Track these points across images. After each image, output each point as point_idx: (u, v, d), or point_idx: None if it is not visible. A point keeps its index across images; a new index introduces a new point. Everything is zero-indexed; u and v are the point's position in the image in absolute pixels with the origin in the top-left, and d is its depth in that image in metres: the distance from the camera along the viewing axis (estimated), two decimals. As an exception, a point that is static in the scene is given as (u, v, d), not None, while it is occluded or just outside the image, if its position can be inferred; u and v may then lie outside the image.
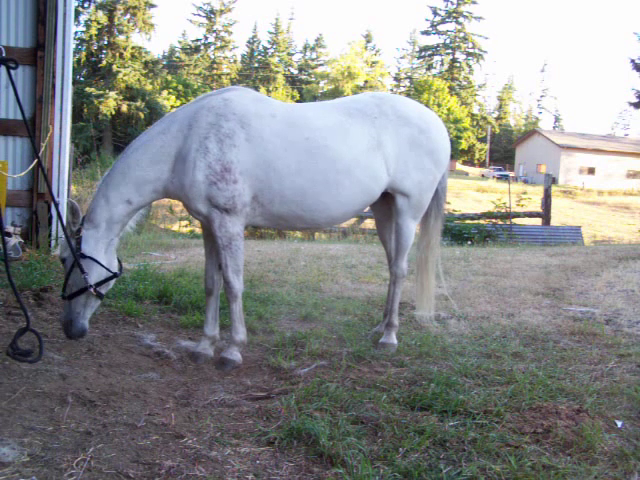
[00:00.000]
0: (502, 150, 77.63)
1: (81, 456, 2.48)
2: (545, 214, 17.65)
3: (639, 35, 39.08)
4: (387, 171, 4.15)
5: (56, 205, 3.96)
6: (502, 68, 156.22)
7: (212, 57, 68.88)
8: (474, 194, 40.48)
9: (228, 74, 67.87)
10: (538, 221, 18.24)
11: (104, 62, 42.01)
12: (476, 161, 76.36)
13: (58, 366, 3.55)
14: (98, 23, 41.00)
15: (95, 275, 3.67)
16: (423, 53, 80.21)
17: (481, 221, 16.53)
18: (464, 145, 68.54)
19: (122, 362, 3.80)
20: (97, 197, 3.74)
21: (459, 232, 14.66)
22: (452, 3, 75.38)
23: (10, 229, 6.57)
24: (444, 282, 5.15)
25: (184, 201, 3.83)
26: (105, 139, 40.96)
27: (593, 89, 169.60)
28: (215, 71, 68.00)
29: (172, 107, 43.11)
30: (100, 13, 41.08)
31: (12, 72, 3.09)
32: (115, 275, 3.79)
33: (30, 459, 2.42)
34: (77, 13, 38.11)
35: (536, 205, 20.23)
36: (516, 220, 17.30)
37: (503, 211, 16.90)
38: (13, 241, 6.37)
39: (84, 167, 19.80)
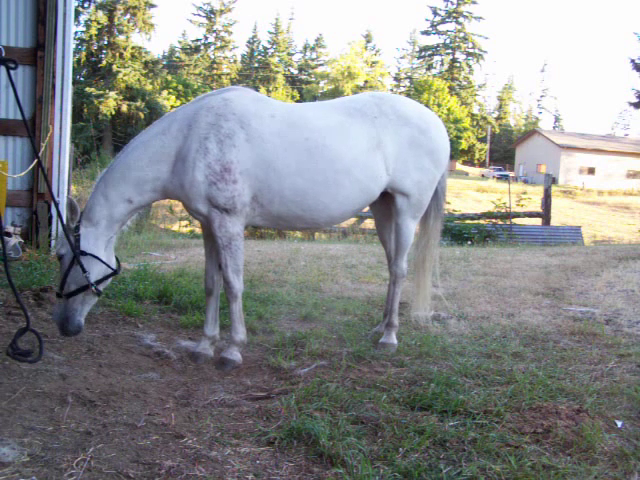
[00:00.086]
0: (502, 150, 77.55)
1: (81, 456, 2.48)
2: (545, 214, 17.65)
3: (639, 35, 39.00)
4: (387, 171, 4.15)
5: (56, 205, 3.95)
6: (502, 68, 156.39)
7: (212, 57, 68.83)
8: (474, 194, 40.47)
9: (228, 74, 67.84)
10: (538, 221, 18.25)
11: (104, 62, 41.99)
12: (476, 161, 76.33)
13: (58, 366, 3.55)
14: (98, 23, 40.97)
15: (95, 272, 3.67)
16: (423, 53, 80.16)
17: (481, 221, 16.54)
18: (464, 145, 68.49)
19: (122, 362, 3.80)
20: (95, 195, 3.73)
21: (459, 232, 14.67)
22: (452, 3, 75.35)
23: (10, 229, 6.57)
24: (439, 282, 5.14)
25: (184, 201, 3.84)
26: (105, 139, 40.93)
27: (593, 89, 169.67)
28: (215, 71, 67.96)
29: (172, 107, 43.05)
30: (100, 13, 41.05)
31: (12, 72, 3.09)
32: (115, 272, 3.79)
33: (30, 459, 2.43)
34: (77, 13, 38.11)
35: (536, 205, 20.24)
36: (516, 220, 17.31)
37: (503, 211, 16.91)
38: (13, 241, 6.37)
39: (84, 167, 19.84)
